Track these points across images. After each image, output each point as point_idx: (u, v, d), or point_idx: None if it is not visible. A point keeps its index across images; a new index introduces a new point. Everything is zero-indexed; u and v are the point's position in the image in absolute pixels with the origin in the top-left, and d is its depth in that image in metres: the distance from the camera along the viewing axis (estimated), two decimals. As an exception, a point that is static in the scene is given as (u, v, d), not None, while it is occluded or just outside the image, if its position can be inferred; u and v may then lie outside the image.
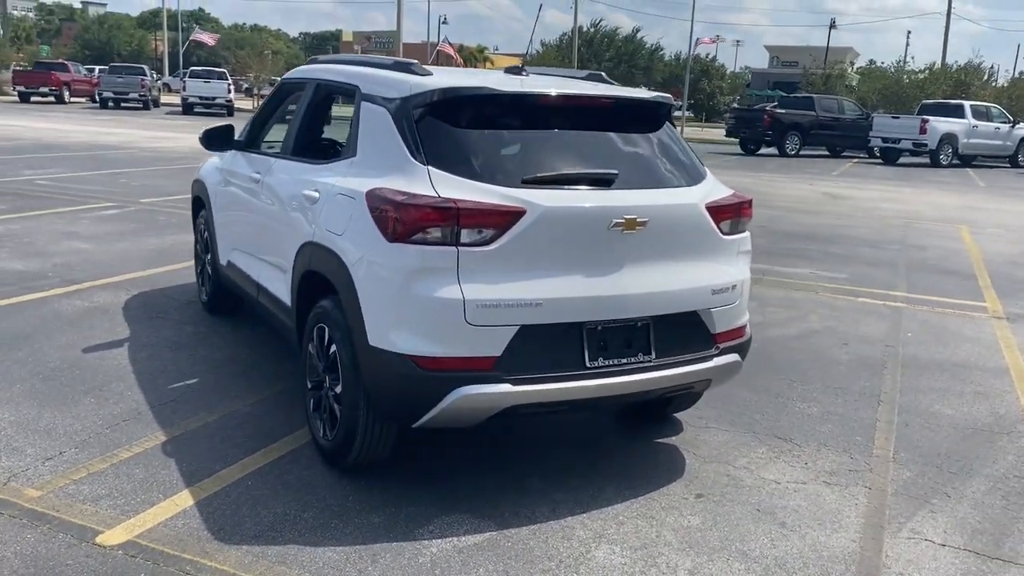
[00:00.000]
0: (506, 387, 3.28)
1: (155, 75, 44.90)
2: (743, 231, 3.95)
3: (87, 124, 26.11)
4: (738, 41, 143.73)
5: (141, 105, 38.35)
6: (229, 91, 36.95)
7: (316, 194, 3.88)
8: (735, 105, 46.54)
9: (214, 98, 36.59)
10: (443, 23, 77.69)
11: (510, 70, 4.23)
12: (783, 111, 28.45)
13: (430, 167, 3.37)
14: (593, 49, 59.64)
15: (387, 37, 75.65)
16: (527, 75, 4.17)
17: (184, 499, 3.46)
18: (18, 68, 45.04)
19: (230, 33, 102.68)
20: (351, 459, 3.68)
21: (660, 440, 4.33)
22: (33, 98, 39.39)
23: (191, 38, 59.10)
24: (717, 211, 3.75)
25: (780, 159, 26.39)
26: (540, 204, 3.31)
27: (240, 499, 3.49)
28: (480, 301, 3.24)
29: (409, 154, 3.44)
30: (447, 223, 3.22)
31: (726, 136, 31.07)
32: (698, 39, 50.26)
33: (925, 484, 3.95)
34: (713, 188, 3.85)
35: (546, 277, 3.35)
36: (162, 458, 3.81)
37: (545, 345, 3.37)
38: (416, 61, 3.98)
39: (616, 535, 3.39)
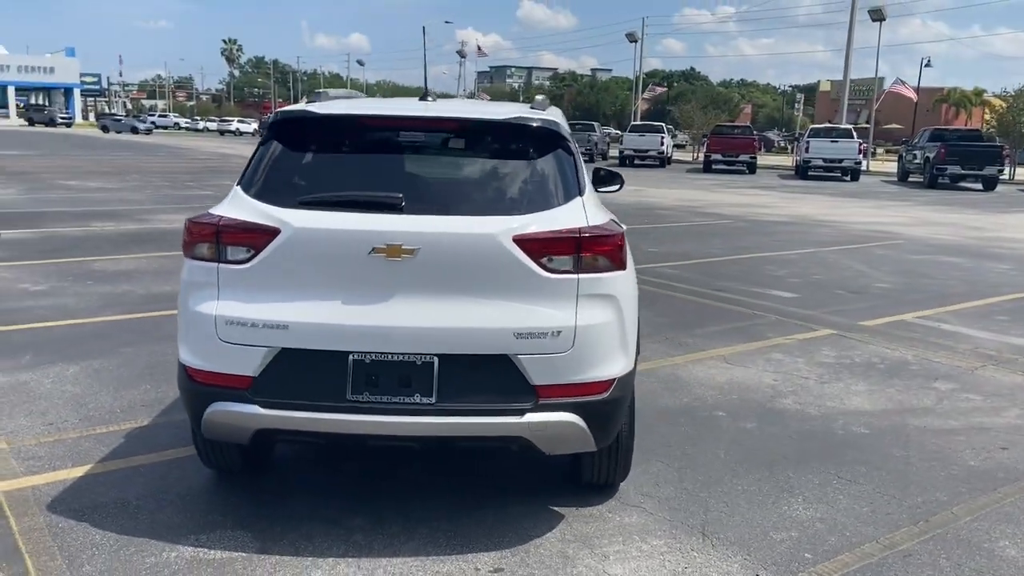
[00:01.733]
0: (255, 409, 3.26)
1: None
2: (603, 270, 3.35)
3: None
4: None
5: (588, 158, 41.79)
6: (662, 143, 38.40)
7: None
8: None
9: (647, 150, 38.37)
10: (926, 65, 72.14)
11: (422, 97, 4.12)
12: None
13: (253, 189, 3.50)
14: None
15: (865, 84, 72.91)
16: (432, 100, 4.03)
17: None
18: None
19: (707, 89, 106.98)
20: (207, 464, 3.92)
21: (556, 507, 3.80)
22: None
23: (643, 95, 62.84)
24: (536, 244, 3.26)
25: None
26: (292, 224, 3.26)
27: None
28: (230, 318, 3.29)
29: (241, 177, 3.61)
30: (211, 240, 3.35)
31: None
32: None
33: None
34: (557, 218, 3.34)
35: (301, 300, 3.27)
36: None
37: (306, 371, 3.27)
38: (330, 91, 4.11)
39: (348, 585, 3.14)
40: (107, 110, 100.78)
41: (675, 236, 13.79)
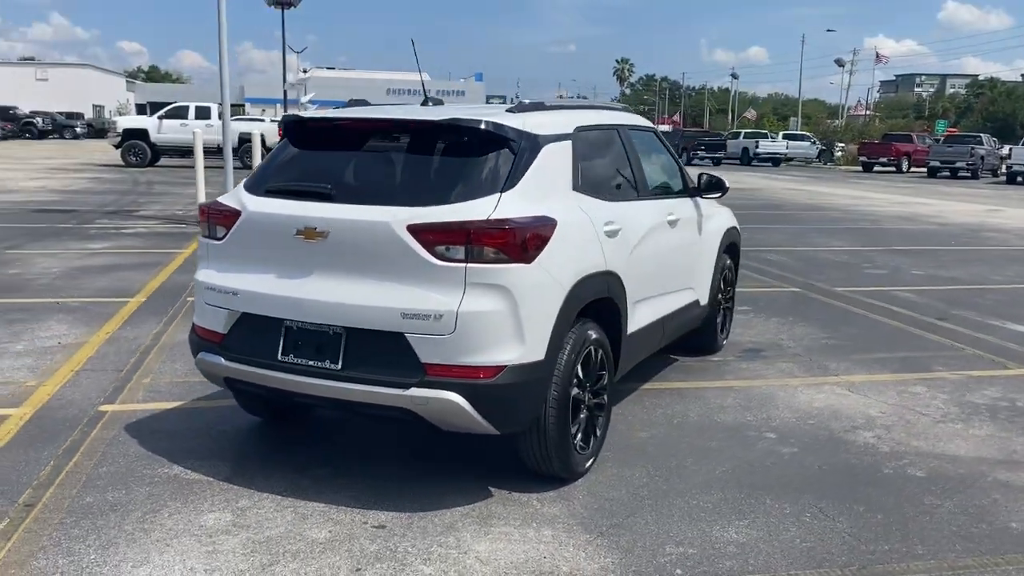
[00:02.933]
0: (221, 360, 3.99)
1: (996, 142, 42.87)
2: (495, 262, 3.54)
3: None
4: None
5: (970, 174, 37.48)
6: None
7: None
8: None
9: None
10: None
11: (423, 103, 4.54)
12: None
13: (249, 182, 4.25)
14: None
15: None
16: (431, 105, 4.43)
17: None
18: (864, 141, 48.57)
19: None
20: (246, 411, 4.74)
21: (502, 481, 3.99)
22: (875, 168, 42.28)
23: None
24: (428, 233, 3.54)
25: None
26: (248, 208, 3.91)
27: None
28: (209, 284, 4.04)
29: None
30: (204, 219, 4.15)
31: None
32: None
33: None
34: (459, 210, 3.57)
35: (251, 273, 3.91)
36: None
37: (255, 333, 3.92)
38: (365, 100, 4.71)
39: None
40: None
41: (966, 260, 12.18)
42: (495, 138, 3.85)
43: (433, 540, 3.50)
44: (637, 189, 4.99)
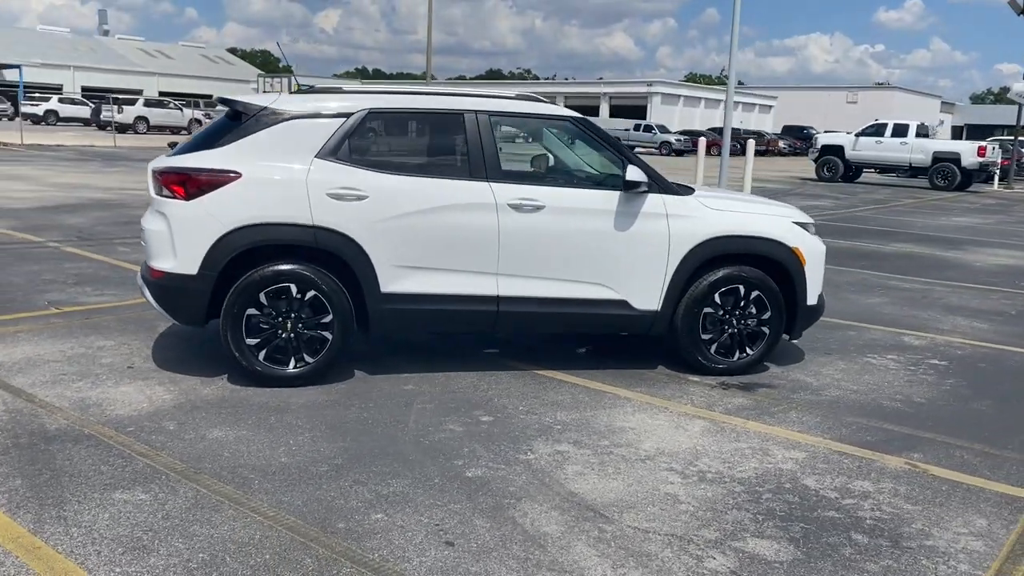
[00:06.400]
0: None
1: None
2: (164, 196, 5.00)
3: None
4: None
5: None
6: None
7: None
8: None
9: None
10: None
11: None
12: None
13: None
14: None
15: None
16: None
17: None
18: None
19: None
20: None
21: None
22: None
23: None
24: (154, 173, 5.11)
25: None
26: None
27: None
28: None
29: None
30: None
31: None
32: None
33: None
34: (171, 161, 5.06)
35: None
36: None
37: None
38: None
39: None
40: None
41: None
42: (240, 113, 5.15)
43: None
44: (471, 170, 5.27)
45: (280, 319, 5.06)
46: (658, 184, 5.55)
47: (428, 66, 43.02)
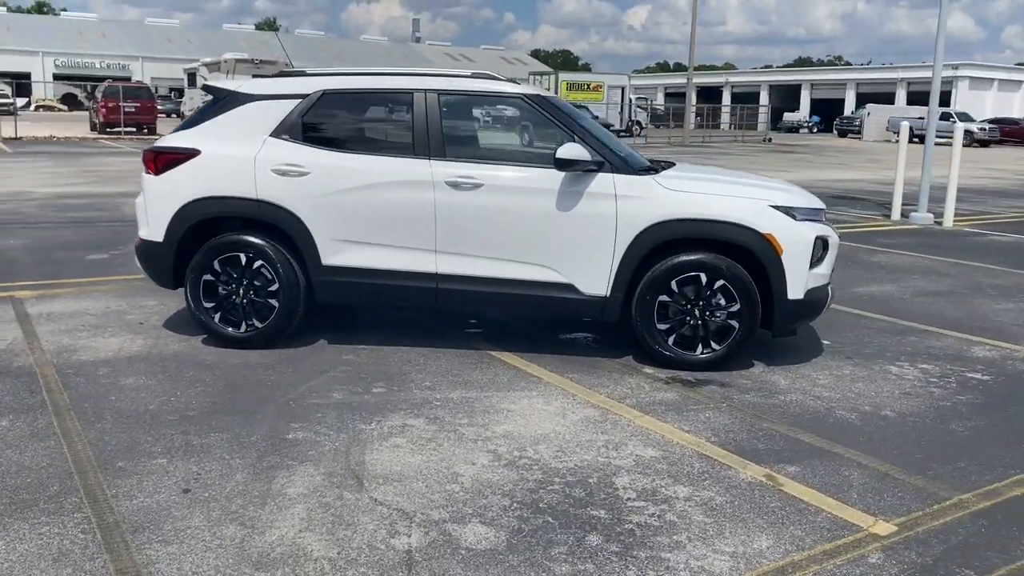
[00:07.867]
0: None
1: None
2: (147, 172, 5.62)
3: None
4: None
5: None
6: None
7: None
8: None
9: None
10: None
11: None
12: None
13: None
14: None
15: None
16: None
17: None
18: None
19: None
20: None
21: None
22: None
23: None
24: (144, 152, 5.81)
25: None
26: None
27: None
28: None
29: None
30: None
31: None
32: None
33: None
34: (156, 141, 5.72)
35: None
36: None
37: None
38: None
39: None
40: None
41: None
42: (216, 98, 5.68)
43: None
44: (415, 148, 5.37)
45: (232, 285, 5.53)
46: (611, 163, 5.27)
47: (691, 57, 42.31)
